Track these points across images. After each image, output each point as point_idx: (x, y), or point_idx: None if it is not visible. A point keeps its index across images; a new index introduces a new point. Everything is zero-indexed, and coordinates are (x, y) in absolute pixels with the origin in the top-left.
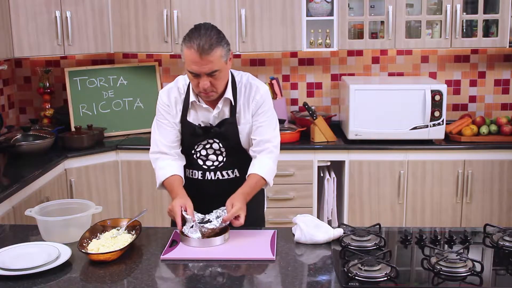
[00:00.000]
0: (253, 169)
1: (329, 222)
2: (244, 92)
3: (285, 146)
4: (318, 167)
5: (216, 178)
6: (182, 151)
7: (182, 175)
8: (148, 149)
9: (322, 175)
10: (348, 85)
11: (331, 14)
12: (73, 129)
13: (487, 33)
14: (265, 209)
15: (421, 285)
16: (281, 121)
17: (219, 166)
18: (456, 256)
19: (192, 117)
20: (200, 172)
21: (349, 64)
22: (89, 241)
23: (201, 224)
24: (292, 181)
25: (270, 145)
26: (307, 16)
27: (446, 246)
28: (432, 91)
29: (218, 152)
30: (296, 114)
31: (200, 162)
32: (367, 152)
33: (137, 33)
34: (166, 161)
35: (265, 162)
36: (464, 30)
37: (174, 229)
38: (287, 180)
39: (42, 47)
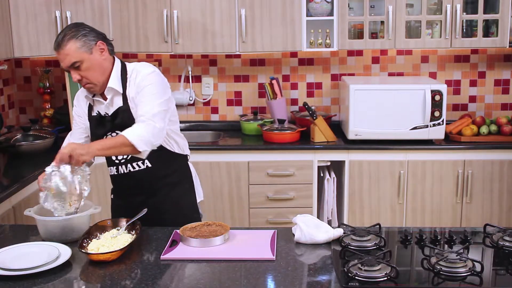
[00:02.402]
0: (124, 131)
1: (329, 222)
2: (130, 79)
3: (285, 146)
4: (318, 167)
5: (128, 170)
6: None
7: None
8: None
9: (322, 175)
10: (348, 85)
11: (331, 14)
12: None
13: (487, 33)
14: (199, 199)
15: (421, 285)
16: (281, 121)
17: (128, 158)
18: (456, 256)
19: (94, 111)
20: (114, 167)
21: (349, 64)
22: (89, 241)
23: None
24: (292, 181)
25: (144, 117)
26: (307, 16)
27: (446, 246)
28: (432, 91)
29: None
30: (296, 114)
31: (113, 157)
32: (367, 152)
33: (137, 33)
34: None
35: (135, 126)
36: (464, 30)
37: (174, 229)
38: (287, 180)
39: (42, 47)
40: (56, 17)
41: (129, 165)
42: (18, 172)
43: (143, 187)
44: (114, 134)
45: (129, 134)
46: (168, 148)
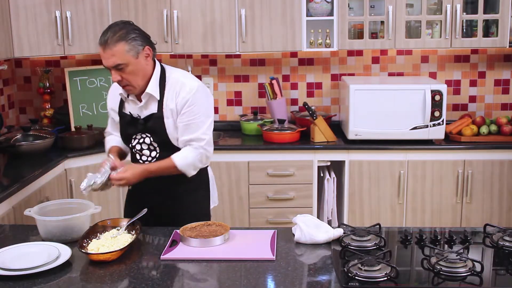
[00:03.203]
0: (174, 154)
1: (329, 222)
2: (171, 88)
3: (285, 146)
4: (318, 167)
5: None
6: (126, 144)
7: (121, 146)
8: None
9: (322, 175)
10: (348, 85)
11: (331, 14)
12: (73, 129)
13: (487, 33)
14: (213, 205)
15: (421, 285)
16: (281, 121)
17: (152, 161)
18: (456, 256)
19: (126, 110)
20: None
21: (349, 64)
22: (89, 241)
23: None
24: (292, 181)
25: (196, 144)
26: (307, 16)
27: (446, 246)
28: (432, 91)
29: (151, 147)
30: (296, 114)
31: (138, 156)
32: (367, 152)
33: None
34: (109, 136)
35: (186, 153)
36: (464, 30)
37: (174, 229)
38: (287, 180)
39: (42, 47)
40: (56, 17)
41: None
42: (18, 172)
43: (164, 190)
44: (144, 135)
45: (179, 162)
46: None
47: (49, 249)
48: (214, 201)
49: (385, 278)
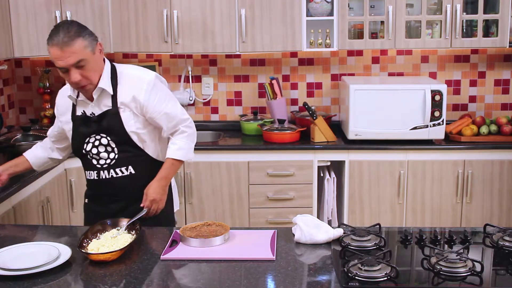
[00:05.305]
0: (167, 153)
1: (329, 222)
2: (126, 82)
3: (285, 146)
4: (318, 167)
5: (110, 176)
6: (76, 154)
7: (33, 159)
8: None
9: (322, 175)
10: (348, 85)
11: (331, 14)
12: None
13: (487, 33)
14: (176, 209)
15: (421, 285)
16: (281, 121)
17: (112, 164)
18: (456, 256)
19: (78, 112)
20: (95, 172)
21: (349, 64)
22: (89, 241)
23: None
24: (292, 181)
25: (180, 126)
26: (307, 16)
27: (446, 246)
28: (432, 91)
29: (109, 148)
30: (296, 114)
31: (94, 162)
32: (367, 152)
33: (137, 33)
34: (39, 144)
35: (177, 143)
36: (464, 30)
37: (174, 229)
38: (287, 180)
39: (42, 47)
40: (56, 17)
41: (111, 171)
42: None
43: (124, 194)
44: (98, 136)
45: (180, 156)
46: (154, 156)
47: (49, 249)
48: (176, 205)
49: (385, 278)
